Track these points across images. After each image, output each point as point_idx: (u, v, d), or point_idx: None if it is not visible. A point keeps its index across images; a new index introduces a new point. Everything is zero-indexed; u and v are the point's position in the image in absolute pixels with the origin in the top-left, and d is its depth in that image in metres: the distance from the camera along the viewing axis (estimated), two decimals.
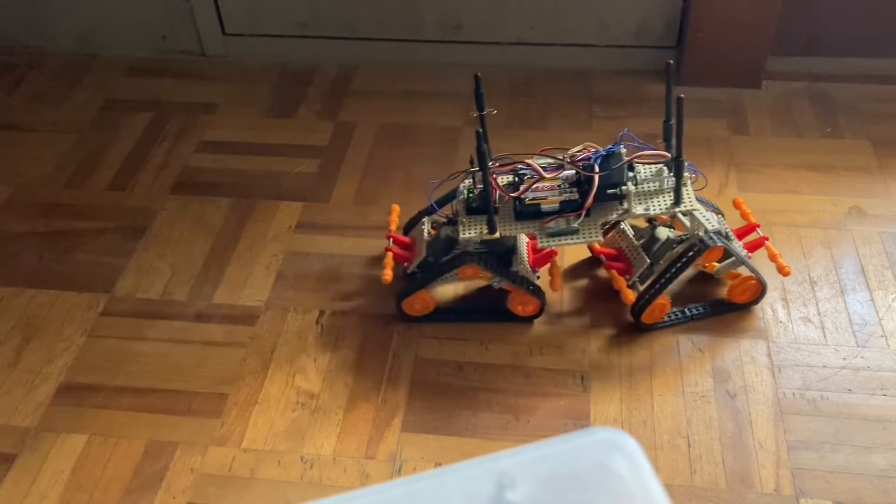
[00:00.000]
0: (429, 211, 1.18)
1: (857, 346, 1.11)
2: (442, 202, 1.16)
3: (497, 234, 1.05)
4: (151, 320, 1.19)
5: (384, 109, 1.55)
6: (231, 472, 1.01)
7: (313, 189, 1.39)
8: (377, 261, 1.26)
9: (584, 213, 1.04)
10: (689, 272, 1.18)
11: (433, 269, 1.12)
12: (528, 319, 1.15)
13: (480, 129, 1.01)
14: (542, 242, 1.05)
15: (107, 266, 1.28)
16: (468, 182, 1.10)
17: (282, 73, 1.65)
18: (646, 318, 1.11)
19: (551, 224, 1.05)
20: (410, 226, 1.23)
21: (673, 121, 1.02)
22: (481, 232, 1.06)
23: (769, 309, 1.16)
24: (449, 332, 1.15)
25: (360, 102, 1.57)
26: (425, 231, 1.16)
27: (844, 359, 1.09)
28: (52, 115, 1.59)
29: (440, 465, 1.01)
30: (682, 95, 0.98)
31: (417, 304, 1.14)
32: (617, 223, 1.16)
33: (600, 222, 1.05)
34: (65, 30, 1.71)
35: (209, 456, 1.02)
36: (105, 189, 1.42)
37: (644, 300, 1.10)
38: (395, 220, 1.22)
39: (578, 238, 1.04)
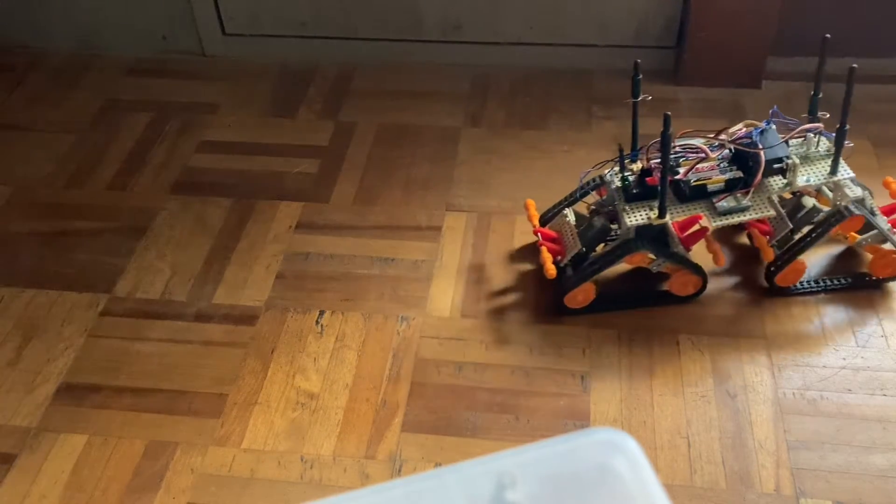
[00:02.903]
0: (570, 202, 1.20)
1: (857, 346, 1.11)
2: (583, 192, 1.17)
3: (667, 219, 1.06)
4: (151, 320, 1.19)
5: (384, 109, 1.55)
6: (231, 472, 1.01)
7: (313, 189, 1.39)
8: (377, 260, 1.26)
9: (752, 189, 1.07)
10: (837, 246, 1.21)
11: (599, 259, 1.12)
12: (689, 299, 1.16)
13: (635, 117, 1.08)
14: (714, 222, 1.07)
15: (107, 266, 1.28)
16: (615, 170, 1.12)
17: (282, 73, 1.65)
18: (780, 280, 1.14)
19: (722, 203, 1.08)
20: (547, 220, 1.23)
21: (820, 94, 1.09)
22: (649, 217, 1.07)
23: (769, 308, 1.16)
24: (449, 332, 1.15)
25: (360, 102, 1.57)
26: (571, 222, 1.17)
27: (844, 359, 1.09)
28: (52, 115, 1.59)
29: (440, 465, 1.01)
30: (855, 65, 1.02)
31: (580, 296, 1.14)
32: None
33: (766, 197, 1.08)
34: (65, 30, 1.71)
35: (209, 456, 1.02)
36: (105, 189, 1.42)
37: (780, 262, 1.12)
38: (535, 214, 1.22)
39: (749, 214, 1.08)
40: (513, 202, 1.34)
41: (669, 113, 0.99)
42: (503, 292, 1.20)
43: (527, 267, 1.24)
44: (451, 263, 1.25)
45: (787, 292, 1.16)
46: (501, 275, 1.23)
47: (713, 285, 1.18)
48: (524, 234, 1.28)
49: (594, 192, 1.18)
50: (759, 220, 1.13)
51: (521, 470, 0.55)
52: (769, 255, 1.14)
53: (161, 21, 1.67)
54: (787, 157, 1.08)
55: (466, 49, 1.63)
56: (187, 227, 1.34)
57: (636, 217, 1.08)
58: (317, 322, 1.18)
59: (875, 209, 1.14)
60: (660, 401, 1.06)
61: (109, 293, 1.23)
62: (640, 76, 1.07)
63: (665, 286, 1.16)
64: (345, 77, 1.63)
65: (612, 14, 1.56)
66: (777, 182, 1.10)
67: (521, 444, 0.56)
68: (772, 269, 1.14)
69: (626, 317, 1.15)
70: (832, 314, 1.15)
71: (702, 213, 1.08)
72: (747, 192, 1.08)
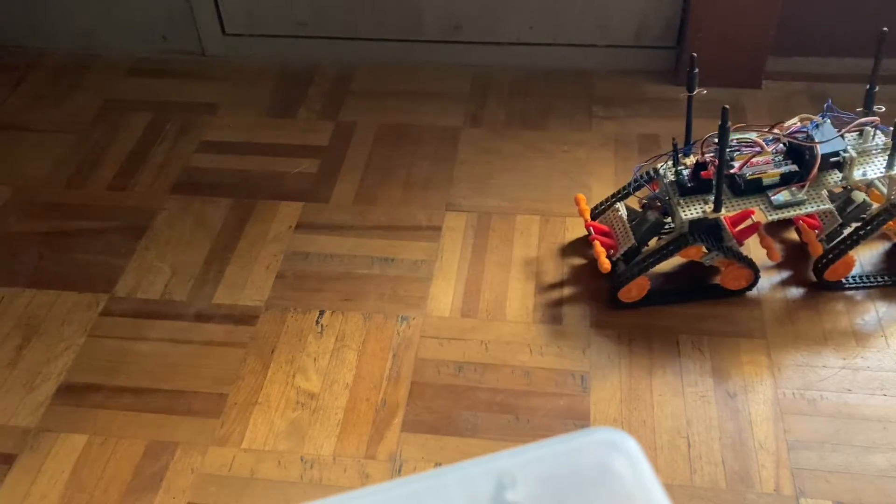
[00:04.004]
0: (622, 196, 1.20)
1: (857, 346, 1.11)
2: (637, 187, 1.18)
3: (722, 213, 1.07)
4: (151, 320, 1.19)
5: (384, 109, 1.55)
6: (231, 472, 1.01)
7: (313, 189, 1.39)
8: (377, 260, 1.26)
9: (808, 183, 1.07)
10: (884, 245, 1.21)
11: (654, 253, 1.12)
12: (741, 293, 1.16)
13: (689, 111, 1.08)
14: (770, 215, 1.07)
15: (107, 266, 1.28)
16: (669, 164, 1.12)
17: (282, 73, 1.65)
18: (829, 275, 1.14)
19: (778, 197, 1.07)
20: (598, 213, 1.23)
21: (877, 88, 1.08)
22: (705, 211, 1.07)
23: (769, 308, 1.16)
24: (449, 332, 1.15)
25: (360, 102, 1.57)
26: (623, 216, 1.17)
27: (844, 359, 1.09)
28: (52, 115, 1.59)
29: (440, 465, 1.01)
30: None
31: (634, 290, 1.14)
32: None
33: (822, 191, 1.08)
34: (65, 30, 1.72)
35: (209, 456, 1.02)
36: (105, 189, 1.42)
37: (830, 257, 1.12)
38: (587, 208, 1.22)
39: (806, 208, 1.07)
40: (513, 202, 1.34)
41: (728, 106, 0.99)
42: (503, 292, 1.20)
43: (527, 267, 1.24)
44: (451, 263, 1.25)
45: (835, 287, 1.16)
46: (501, 275, 1.23)
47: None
48: (523, 234, 1.28)
49: (647, 186, 1.18)
50: (808, 215, 1.13)
51: (521, 470, 0.55)
52: (818, 249, 1.13)
53: (161, 21, 1.67)
54: (844, 151, 1.07)
55: (466, 49, 1.63)
56: (187, 227, 1.34)
57: (691, 211, 1.08)
58: (317, 322, 1.18)
59: None
60: (660, 401, 1.06)
61: (109, 293, 1.23)
62: (697, 70, 1.06)
63: (717, 280, 1.16)
64: (345, 77, 1.63)
65: (612, 14, 1.56)
66: (833, 176, 1.09)
67: (521, 444, 0.56)
68: (820, 264, 1.14)
69: (627, 317, 1.15)
70: (832, 314, 1.15)
71: (756, 207, 1.08)
72: (803, 186, 1.08)
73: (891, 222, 1.10)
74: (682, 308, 1.16)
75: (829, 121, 1.09)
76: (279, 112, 1.56)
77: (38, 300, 1.23)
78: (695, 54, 1.06)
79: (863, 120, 1.10)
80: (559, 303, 1.18)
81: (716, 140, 1.04)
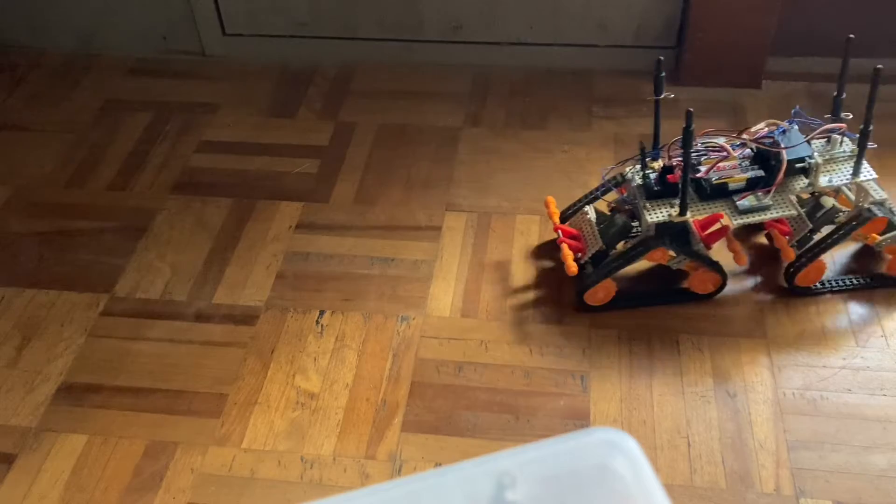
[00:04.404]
0: (591, 200, 1.20)
1: (857, 346, 1.11)
2: (604, 192, 1.17)
3: (687, 217, 1.07)
4: (151, 320, 1.19)
5: (384, 109, 1.55)
6: (231, 472, 1.01)
7: (313, 189, 1.39)
8: (377, 260, 1.26)
9: (773, 188, 1.07)
10: (854, 245, 1.21)
11: (620, 257, 1.12)
12: (709, 297, 1.16)
13: (657, 114, 1.07)
14: (735, 220, 1.07)
15: (107, 266, 1.28)
16: (636, 168, 1.12)
17: (282, 73, 1.65)
18: (800, 280, 1.14)
19: (743, 202, 1.08)
20: (568, 216, 1.23)
21: (844, 95, 1.09)
22: (670, 215, 1.07)
23: (769, 308, 1.16)
24: (449, 332, 1.15)
25: (360, 102, 1.57)
26: (591, 220, 1.17)
27: (844, 359, 1.09)
28: (52, 115, 1.59)
29: (440, 465, 1.01)
30: (881, 66, 1.02)
31: (601, 293, 1.14)
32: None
33: (788, 196, 1.08)
34: (65, 30, 1.71)
35: (209, 456, 1.02)
36: (105, 189, 1.42)
37: (801, 262, 1.12)
38: (556, 211, 1.22)
39: (771, 213, 1.08)
40: (513, 202, 1.34)
41: (692, 109, 0.99)
42: (503, 292, 1.20)
43: (526, 267, 1.24)
44: (451, 263, 1.25)
45: (806, 292, 1.16)
46: (501, 275, 1.23)
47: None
48: (523, 234, 1.28)
49: (615, 190, 1.18)
50: (778, 220, 1.13)
51: (521, 470, 0.55)
52: (790, 255, 1.13)
53: (161, 21, 1.67)
54: (810, 157, 1.08)
55: (466, 49, 1.63)
56: (187, 227, 1.34)
57: (657, 214, 1.08)
58: (317, 322, 1.18)
59: (894, 209, 1.14)
60: (660, 401, 1.06)
61: (109, 293, 1.23)
62: (664, 73, 1.07)
63: (685, 284, 1.16)
64: (345, 77, 1.63)
65: (612, 14, 1.56)
66: (799, 182, 1.10)
67: (521, 444, 0.56)
68: (792, 269, 1.14)
69: (626, 317, 1.15)
70: (832, 314, 1.15)
71: (722, 212, 1.08)
72: (769, 192, 1.08)
73: (861, 228, 1.10)
74: (682, 308, 1.16)
75: (796, 126, 1.09)
76: (279, 112, 1.56)
77: (38, 300, 1.23)
78: (661, 58, 1.07)
79: (829, 126, 1.11)
80: (559, 303, 1.18)
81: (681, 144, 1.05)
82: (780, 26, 1.46)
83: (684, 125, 1.00)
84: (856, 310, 1.15)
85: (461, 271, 1.24)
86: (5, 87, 1.66)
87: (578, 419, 1.04)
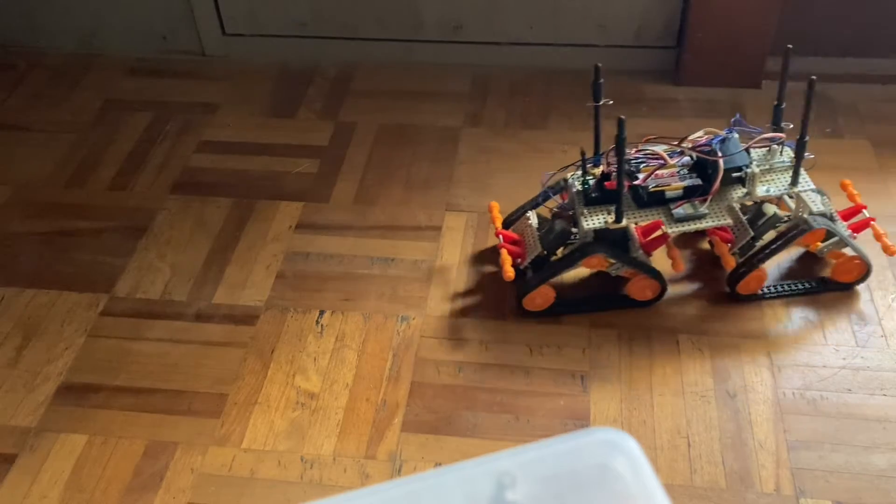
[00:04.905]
0: (534, 205, 1.20)
1: (857, 346, 1.11)
2: (545, 196, 1.16)
3: (623, 224, 1.07)
4: (151, 320, 1.19)
5: (384, 109, 1.55)
6: (231, 472, 1.01)
7: (313, 189, 1.39)
8: (377, 260, 1.26)
9: (710, 197, 1.07)
10: (795, 251, 1.21)
11: (557, 263, 1.12)
12: (648, 304, 1.16)
13: (596, 121, 1.06)
14: (670, 228, 1.07)
15: (107, 266, 1.28)
16: (578, 174, 1.12)
17: (282, 73, 1.65)
18: (741, 288, 1.13)
19: (679, 210, 1.08)
20: (510, 222, 1.23)
21: (784, 104, 1.09)
22: (606, 222, 1.07)
23: (769, 309, 1.16)
24: (449, 333, 1.15)
25: (360, 102, 1.57)
26: (533, 225, 1.17)
27: (844, 359, 1.09)
28: (52, 115, 1.59)
29: (440, 465, 1.01)
30: (815, 77, 1.01)
31: (539, 299, 1.14)
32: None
33: (724, 205, 1.08)
34: (65, 30, 1.72)
35: (209, 456, 1.02)
36: (105, 189, 1.42)
37: (741, 271, 1.12)
38: (498, 216, 1.22)
39: (706, 222, 1.08)
40: (513, 202, 1.34)
41: (624, 117, 0.99)
42: (503, 292, 1.20)
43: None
44: (451, 263, 1.25)
45: (748, 299, 1.16)
46: (502, 275, 1.23)
47: (715, 285, 1.19)
48: None
49: (558, 196, 1.17)
50: (720, 228, 1.13)
51: (521, 470, 0.55)
52: (730, 263, 1.13)
53: (161, 21, 1.67)
54: (747, 167, 1.07)
55: (466, 49, 1.63)
56: (187, 227, 1.34)
57: (594, 221, 1.08)
58: (317, 322, 1.18)
59: (835, 215, 1.14)
60: (660, 401, 1.06)
61: (109, 293, 1.24)
62: (602, 80, 1.05)
63: (624, 290, 1.15)
64: (345, 77, 1.63)
65: (612, 14, 1.56)
66: (737, 191, 1.09)
67: (521, 444, 0.56)
68: (733, 277, 1.13)
69: (627, 317, 1.15)
70: (833, 314, 1.15)
71: (659, 219, 1.08)
72: (705, 200, 1.08)
73: (800, 238, 1.10)
74: (682, 308, 1.16)
75: (736, 135, 1.09)
76: (279, 112, 1.56)
77: (38, 300, 1.23)
78: (599, 64, 1.04)
79: (766, 136, 1.10)
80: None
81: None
82: (780, 26, 1.46)
83: (616, 133, 0.99)
84: (856, 310, 1.15)
85: (461, 271, 1.24)
86: (5, 87, 1.66)
87: (578, 419, 1.04)
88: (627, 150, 1.07)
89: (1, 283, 1.26)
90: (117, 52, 1.72)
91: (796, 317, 1.15)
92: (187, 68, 1.69)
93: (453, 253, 1.26)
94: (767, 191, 1.09)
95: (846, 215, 1.15)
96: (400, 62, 1.65)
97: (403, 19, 1.61)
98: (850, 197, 1.18)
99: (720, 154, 1.06)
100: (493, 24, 1.59)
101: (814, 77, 1.00)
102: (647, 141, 1.11)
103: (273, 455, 1.02)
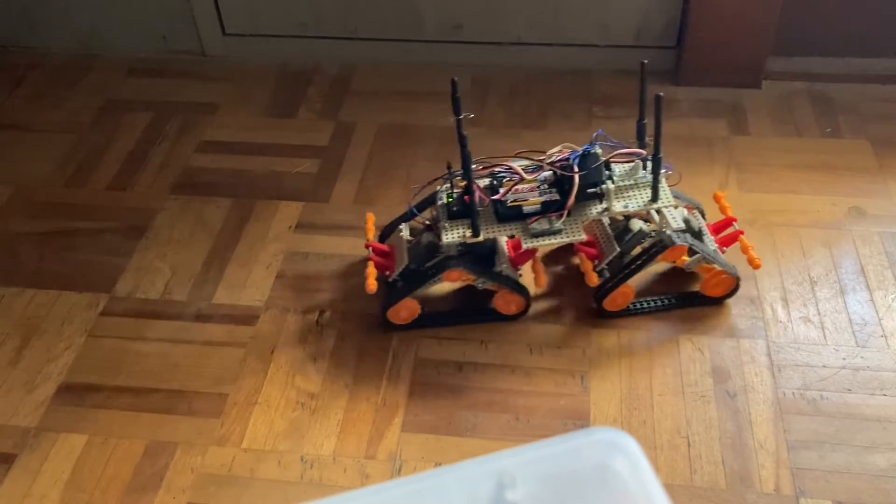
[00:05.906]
0: (406, 217, 1.18)
1: (857, 346, 1.11)
2: (420, 207, 1.15)
3: (481, 238, 1.06)
4: (151, 320, 1.19)
5: (384, 109, 1.55)
6: (231, 472, 1.01)
7: (313, 189, 1.39)
8: None
9: (566, 212, 1.06)
10: (664, 266, 1.19)
11: (418, 276, 1.12)
12: (514, 318, 1.15)
13: (459, 134, 1.01)
14: (525, 243, 1.06)
15: (107, 266, 1.28)
16: (446, 187, 1.11)
17: (282, 73, 1.65)
18: (608, 304, 1.13)
19: (534, 225, 1.06)
20: (387, 233, 1.22)
21: (646, 120, 1.04)
22: (464, 235, 1.06)
23: (769, 309, 1.16)
24: (449, 332, 1.15)
25: (360, 102, 1.57)
26: (404, 237, 1.16)
27: (844, 359, 1.09)
28: (52, 115, 1.59)
29: (440, 465, 1.01)
30: (661, 94, 1.00)
31: (403, 312, 1.13)
32: None
33: (582, 221, 1.07)
34: (65, 30, 1.72)
35: (209, 456, 1.02)
36: (105, 189, 1.42)
37: (606, 288, 1.11)
38: (372, 228, 1.21)
39: (562, 237, 1.06)
40: None
41: (467, 134, 0.98)
42: None
43: (526, 268, 1.24)
44: None
45: (615, 316, 1.15)
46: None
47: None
48: None
49: (431, 209, 1.16)
50: (586, 244, 1.12)
51: (521, 470, 0.55)
52: (593, 280, 1.11)
53: (161, 21, 1.67)
54: (602, 183, 1.05)
55: (466, 49, 1.63)
56: (187, 227, 1.34)
57: (453, 234, 1.07)
58: (317, 322, 1.18)
59: (703, 229, 1.13)
60: (660, 401, 1.06)
61: (109, 293, 1.24)
62: (460, 94, 1.00)
63: (491, 304, 1.15)
64: (345, 77, 1.63)
65: (612, 14, 1.56)
66: (595, 207, 1.07)
67: (521, 444, 0.56)
68: (599, 293, 1.12)
69: (627, 317, 1.15)
70: (833, 314, 1.15)
71: (517, 234, 1.07)
72: (561, 216, 1.06)
73: (661, 256, 1.09)
74: (682, 309, 1.16)
75: (599, 150, 1.07)
76: (279, 112, 1.56)
77: (38, 300, 1.23)
78: (455, 79, 0.99)
79: (627, 150, 1.08)
80: (560, 302, 1.18)
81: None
82: (780, 26, 1.46)
83: (460, 146, 0.99)
84: (856, 310, 1.15)
85: None
86: (5, 87, 1.66)
87: (578, 419, 1.04)
88: (491, 165, 1.08)
89: (1, 283, 1.26)
90: (117, 52, 1.72)
91: (796, 317, 1.15)
92: (187, 68, 1.69)
93: None
94: (626, 206, 1.06)
95: (720, 227, 1.15)
96: (400, 62, 1.65)
97: (403, 19, 1.61)
98: (722, 210, 1.17)
99: (576, 169, 1.05)
100: (493, 24, 1.59)
101: (661, 94, 0.99)
102: (520, 154, 1.10)
103: (273, 455, 1.02)
